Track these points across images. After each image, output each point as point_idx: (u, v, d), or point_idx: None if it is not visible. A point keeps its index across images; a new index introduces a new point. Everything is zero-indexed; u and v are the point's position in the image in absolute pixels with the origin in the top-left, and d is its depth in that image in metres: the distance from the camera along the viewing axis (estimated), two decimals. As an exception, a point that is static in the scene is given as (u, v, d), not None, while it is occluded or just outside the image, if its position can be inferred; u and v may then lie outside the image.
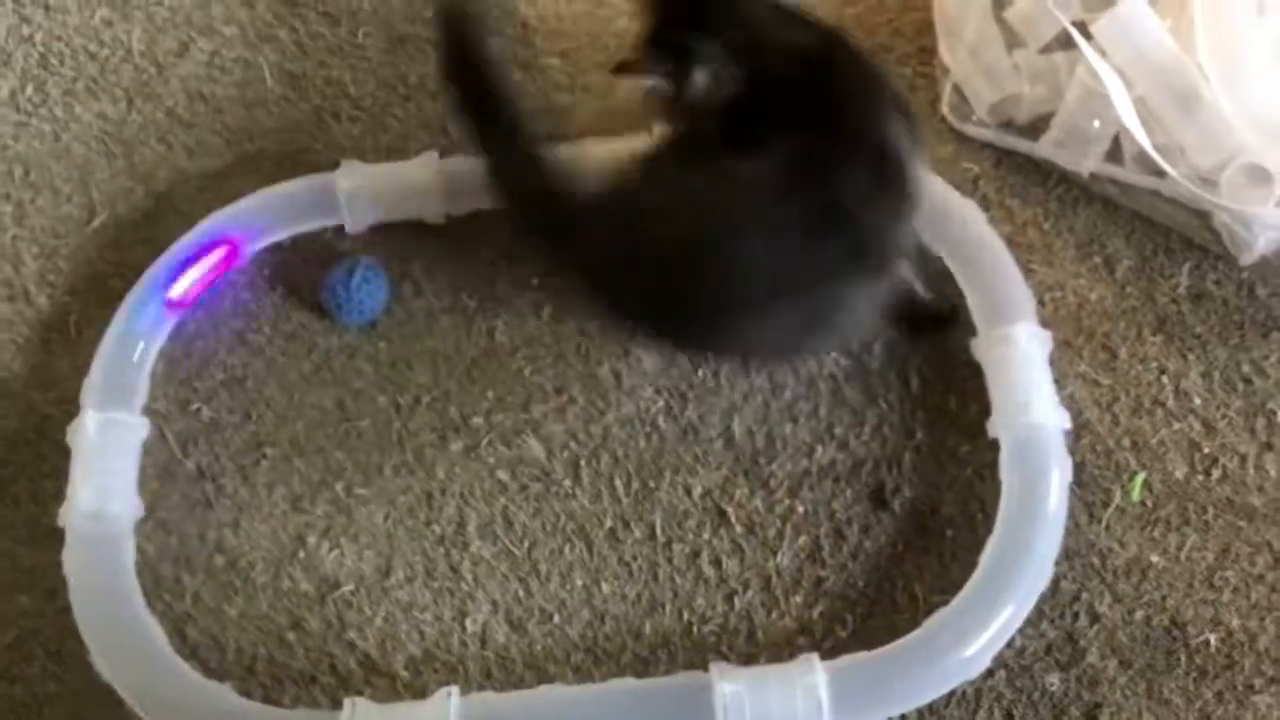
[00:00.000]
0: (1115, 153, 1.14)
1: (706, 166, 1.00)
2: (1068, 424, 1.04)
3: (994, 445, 1.06)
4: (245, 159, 1.22)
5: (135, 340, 1.12)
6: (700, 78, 1.00)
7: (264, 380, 1.13)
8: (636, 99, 1.07)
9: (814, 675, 0.96)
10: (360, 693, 1.01)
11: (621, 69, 1.04)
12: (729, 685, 0.96)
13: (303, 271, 1.17)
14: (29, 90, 1.27)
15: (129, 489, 1.08)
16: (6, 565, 1.08)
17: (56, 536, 1.07)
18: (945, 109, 1.19)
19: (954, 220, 1.12)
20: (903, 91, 1.07)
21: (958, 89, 1.19)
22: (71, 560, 1.04)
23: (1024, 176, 1.17)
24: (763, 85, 1.00)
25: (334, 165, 1.19)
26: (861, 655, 0.98)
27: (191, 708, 0.99)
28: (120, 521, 1.06)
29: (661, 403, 1.11)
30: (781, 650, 1.02)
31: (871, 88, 1.02)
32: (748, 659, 1.01)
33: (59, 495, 1.08)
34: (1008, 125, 1.18)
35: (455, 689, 0.98)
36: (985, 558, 1.00)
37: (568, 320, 1.14)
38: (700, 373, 1.12)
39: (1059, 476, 1.02)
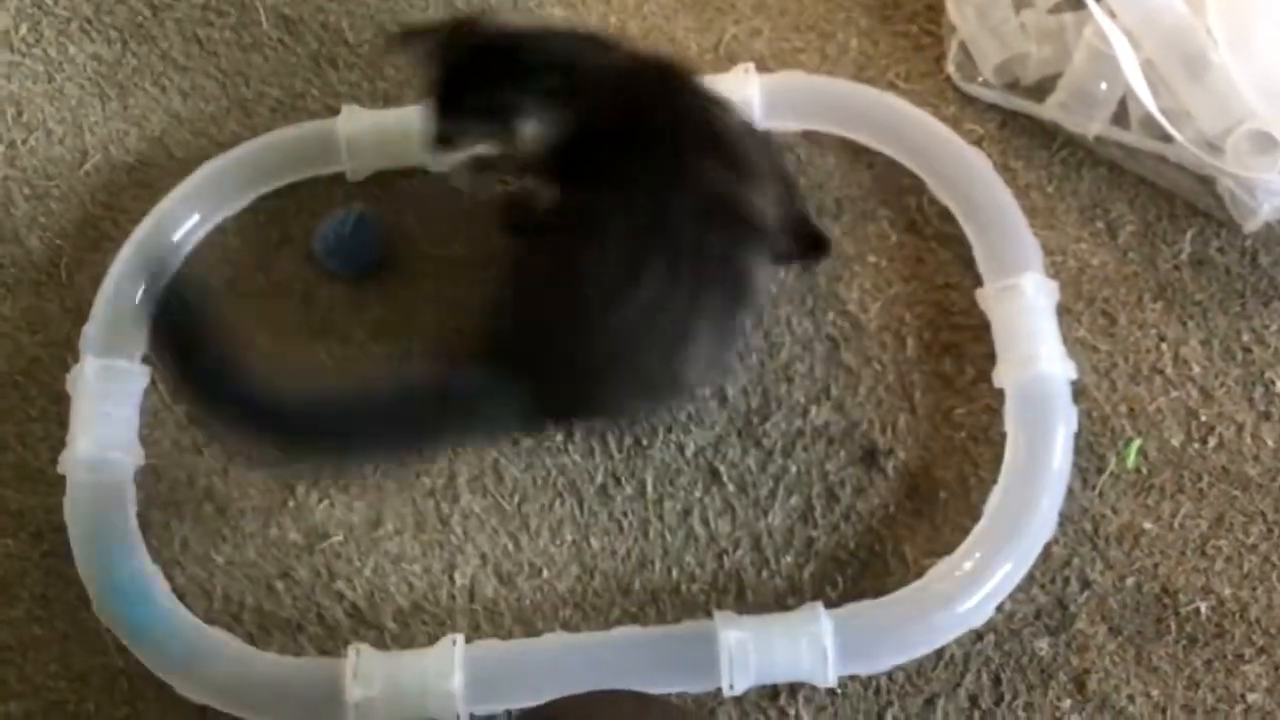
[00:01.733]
0: (1121, 116, 1.13)
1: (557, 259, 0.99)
2: (1074, 374, 1.04)
3: (990, 408, 1.06)
4: (240, 103, 1.20)
5: (135, 287, 1.10)
6: (529, 128, 0.99)
7: (255, 329, 1.12)
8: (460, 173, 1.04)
9: (819, 623, 0.97)
10: (347, 643, 1.00)
11: (441, 142, 1.01)
12: (734, 632, 0.96)
13: (296, 219, 1.15)
14: (23, 29, 1.25)
15: (130, 436, 1.07)
16: (-7, 508, 1.07)
17: (44, 480, 1.06)
18: (951, 68, 1.18)
19: (962, 170, 1.11)
20: (726, 104, 1.04)
21: (964, 48, 1.18)
22: (72, 508, 1.04)
23: (1028, 138, 1.16)
24: (591, 123, 0.99)
25: (331, 112, 1.18)
26: (865, 604, 0.99)
27: (195, 656, 0.99)
28: (120, 469, 1.06)
29: (656, 359, 1.10)
30: (771, 609, 1.01)
31: (689, 116, 1.01)
32: (735, 610, 1.01)
33: (48, 438, 1.08)
34: (1013, 86, 1.17)
35: (460, 637, 0.98)
36: (990, 506, 1.01)
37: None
38: (696, 330, 1.11)
39: (1065, 428, 1.02)
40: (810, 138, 1.16)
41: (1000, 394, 1.05)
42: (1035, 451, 1.01)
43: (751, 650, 0.96)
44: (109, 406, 1.07)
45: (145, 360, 1.10)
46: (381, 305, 1.12)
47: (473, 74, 1.00)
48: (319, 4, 1.24)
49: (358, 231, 1.11)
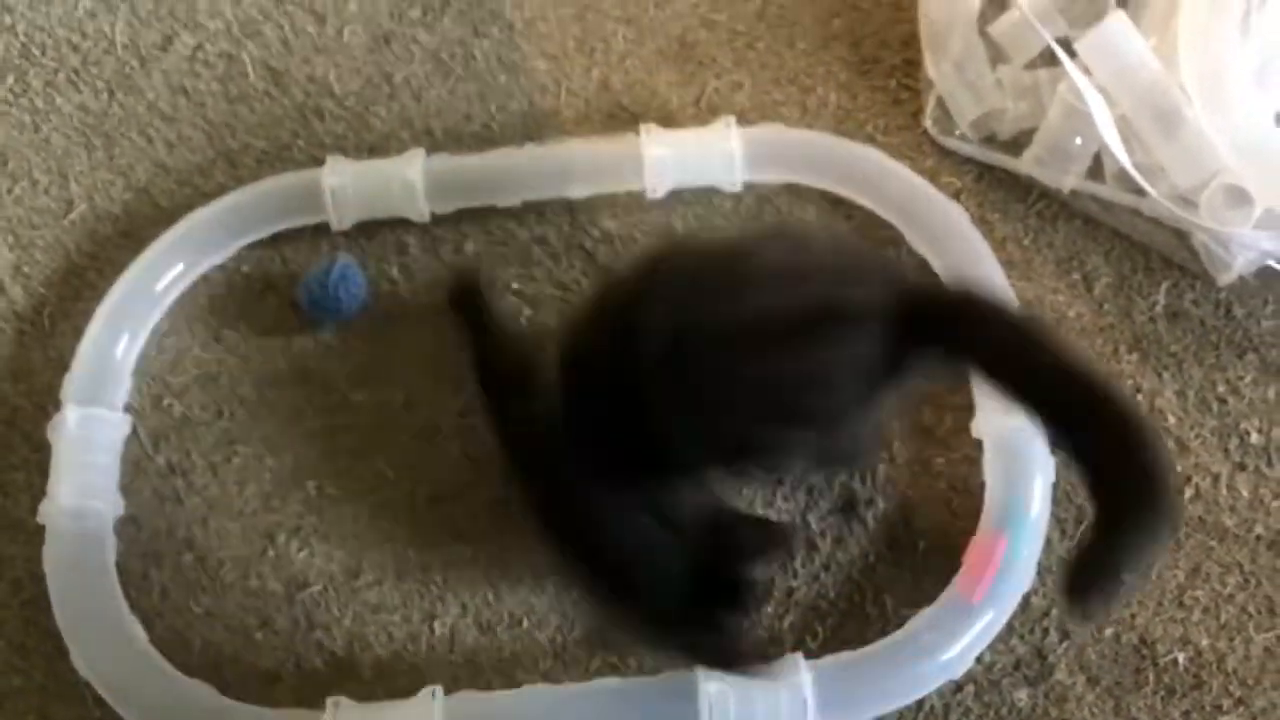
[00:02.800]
0: (1096, 170, 1.14)
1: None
2: None
3: (969, 459, 1.06)
4: (227, 154, 1.21)
5: (118, 336, 1.11)
6: None
7: (238, 378, 1.12)
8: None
9: (799, 674, 0.97)
10: (327, 693, 1.00)
11: None
12: (714, 684, 0.96)
13: (280, 270, 1.16)
14: (10, 80, 1.26)
15: (110, 486, 1.07)
16: (-28, 557, 1.07)
17: (24, 529, 1.06)
18: (928, 122, 1.19)
19: (940, 224, 1.12)
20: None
21: (941, 103, 1.19)
22: (51, 557, 1.03)
23: (1005, 192, 1.17)
24: None
25: (316, 163, 1.18)
26: (846, 655, 0.99)
27: (173, 707, 0.99)
28: (101, 519, 1.06)
29: (637, 409, 1.10)
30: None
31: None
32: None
33: (28, 487, 1.08)
34: (990, 140, 1.18)
35: (439, 688, 0.98)
36: (968, 558, 1.01)
37: (544, 323, 1.13)
38: (676, 380, 1.11)
39: (1043, 478, 1.02)
40: (790, 189, 1.17)
41: (979, 444, 1.06)
42: (1011, 503, 1.02)
43: (732, 702, 0.96)
44: (90, 455, 1.07)
45: (127, 409, 1.10)
46: (364, 354, 1.13)
47: None
48: (305, 56, 1.26)
49: (341, 281, 1.12)
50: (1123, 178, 1.11)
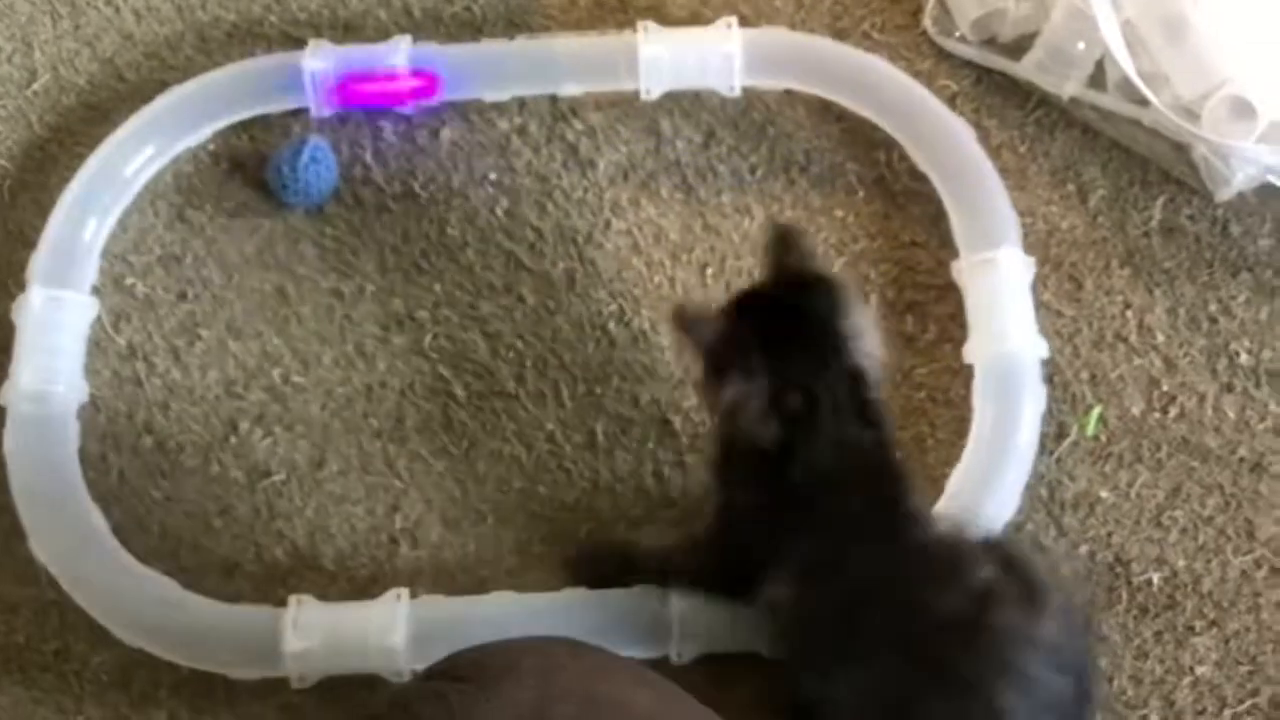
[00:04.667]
0: (1098, 78, 1.11)
1: None
2: (1045, 353, 1.03)
3: (951, 370, 1.05)
4: (196, 27, 1.17)
5: (86, 219, 1.08)
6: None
7: (203, 260, 1.09)
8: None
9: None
10: (286, 583, 0.98)
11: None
12: (685, 600, 0.94)
13: (249, 149, 1.12)
14: (-27, -57, 1.21)
15: (75, 370, 1.05)
16: (-73, 434, 1.04)
17: (-20, 408, 1.04)
18: (927, 22, 1.16)
19: (943, 138, 1.09)
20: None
21: (942, 2, 1.16)
22: (11, 441, 1.01)
23: (1003, 97, 1.14)
24: None
25: (288, 40, 1.15)
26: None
27: (131, 598, 0.97)
28: (64, 403, 1.03)
29: (614, 307, 1.08)
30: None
31: None
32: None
33: (-15, 363, 1.05)
34: (990, 42, 1.15)
35: (405, 591, 0.96)
36: (952, 484, 0.99)
37: (523, 218, 1.10)
38: (655, 279, 1.09)
39: (1033, 406, 1.01)
40: (785, 91, 1.13)
41: (962, 358, 1.03)
42: (1001, 430, 1.00)
43: (702, 618, 0.94)
44: (54, 339, 1.04)
45: (94, 291, 1.07)
46: (334, 240, 1.10)
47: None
48: (282, -71, 1.21)
49: (311, 164, 1.08)
50: (1125, 86, 1.08)
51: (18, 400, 1.01)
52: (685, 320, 0.91)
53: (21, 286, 1.05)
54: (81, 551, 0.98)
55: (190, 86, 1.11)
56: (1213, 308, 1.07)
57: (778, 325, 0.89)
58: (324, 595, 0.97)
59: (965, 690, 0.82)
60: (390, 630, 0.93)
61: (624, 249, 1.10)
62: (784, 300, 0.91)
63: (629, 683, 0.69)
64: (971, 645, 0.83)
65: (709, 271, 1.09)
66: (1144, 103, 1.07)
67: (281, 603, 0.96)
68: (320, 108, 1.11)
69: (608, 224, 1.10)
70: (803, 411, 0.87)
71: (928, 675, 0.83)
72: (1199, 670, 0.98)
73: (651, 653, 0.94)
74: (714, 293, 1.08)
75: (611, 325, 1.07)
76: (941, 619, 0.83)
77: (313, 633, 0.94)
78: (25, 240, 1.08)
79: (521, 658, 0.64)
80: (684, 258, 1.10)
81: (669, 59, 1.10)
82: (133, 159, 1.09)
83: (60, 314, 1.05)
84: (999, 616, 0.83)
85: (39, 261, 1.06)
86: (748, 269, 1.09)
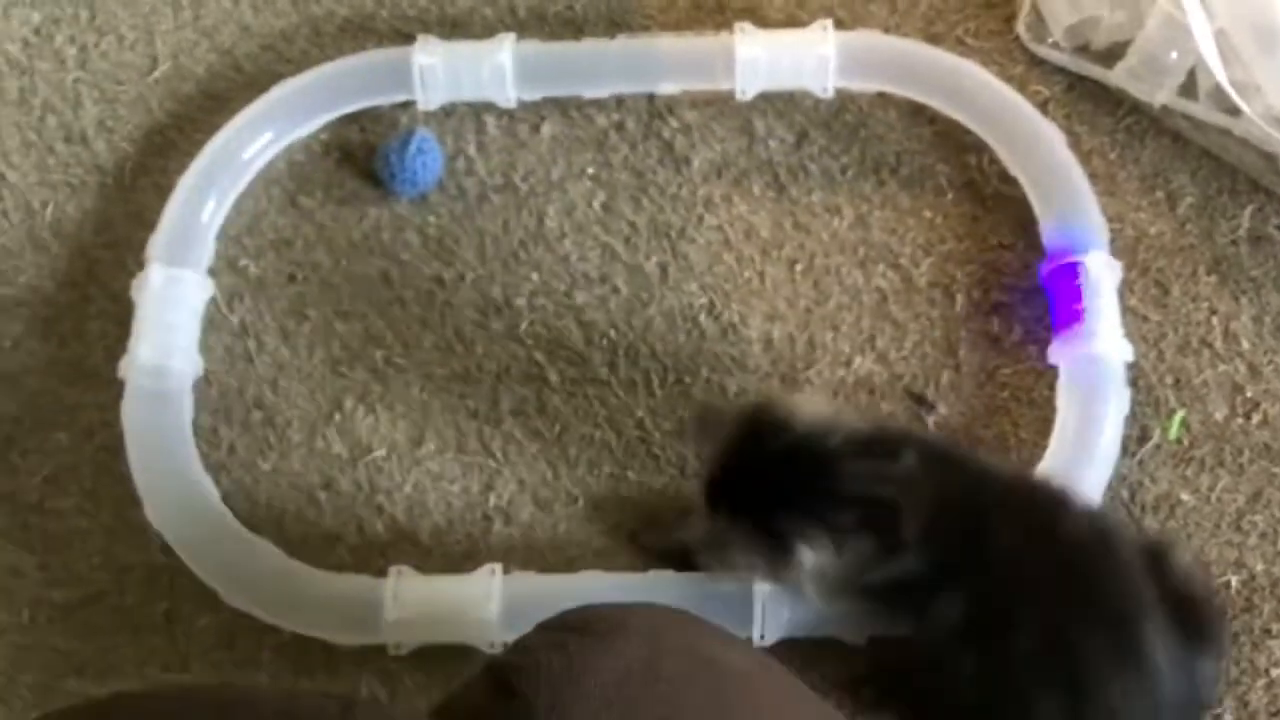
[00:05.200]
0: (1189, 87, 1.12)
1: None
2: (1130, 356, 1.04)
3: (1035, 370, 1.06)
4: (310, 21, 1.21)
5: (205, 200, 1.12)
6: (807, 556, 0.87)
7: (313, 244, 1.14)
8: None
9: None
10: (384, 556, 1.03)
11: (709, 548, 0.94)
12: (768, 585, 0.97)
13: (359, 139, 1.16)
14: (100, -65, 1.26)
15: (190, 346, 1.09)
16: (48, 402, 1.10)
17: (99, 378, 1.09)
18: (1021, 28, 1.17)
19: (1035, 143, 1.10)
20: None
21: (1035, 8, 1.17)
22: (130, 414, 1.05)
23: (1094, 104, 1.15)
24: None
25: (398, 34, 1.18)
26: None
27: (239, 563, 1.01)
28: (180, 378, 1.07)
29: (705, 300, 1.11)
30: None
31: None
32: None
33: (104, 337, 1.10)
34: (1083, 49, 1.16)
35: (499, 566, 1.00)
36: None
37: (618, 212, 1.13)
38: (746, 274, 1.11)
39: (1116, 409, 1.02)
40: (877, 93, 1.15)
41: (1046, 360, 1.05)
42: (1084, 433, 1.02)
43: (786, 603, 0.97)
44: (172, 315, 1.08)
45: (210, 272, 1.12)
46: (437, 228, 1.14)
47: (754, 485, 0.89)
48: (393, -73, 1.25)
49: (419, 154, 1.12)
50: (1216, 95, 1.09)
51: (136, 374, 1.06)
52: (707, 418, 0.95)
53: (141, 265, 1.10)
54: (193, 518, 1.03)
55: (304, 78, 1.15)
56: (1299, 316, 1.08)
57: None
58: (420, 569, 1.01)
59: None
60: (485, 603, 0.97)
61: (715, 244, 1.12)
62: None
63: (727, 645, 0.72)
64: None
65: (798, 268, 1.11)
66: (1235, 112, 1.08)
67: (381, 573, 1.00)
68: (427, 101, 1.15)
69: (700, 219, 1.13)
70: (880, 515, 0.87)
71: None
72: (1274, 673, 0.99)
73: (736, 633, 0.97)
74: (802, 289, 1.11)
75: (702, 317, 1.10)
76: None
77: (411, 603, 0.98)
78: (144, 221, 1.12)
79: (629, 617, 0.67)
80: (774, 254, 1.12)
81: (765, 60, 1.13)
82: (249, 145, 1.13)
83: (178, 292, 1.09)
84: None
85: (158, 241, 1.10)
86: (835, 267, 1.11)
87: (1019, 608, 0.87)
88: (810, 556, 0.86)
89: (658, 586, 0.99)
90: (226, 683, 0.98)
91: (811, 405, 0.91)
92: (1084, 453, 1.01)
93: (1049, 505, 0.92)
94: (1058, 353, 1.05)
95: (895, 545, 0.86)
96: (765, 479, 0.89)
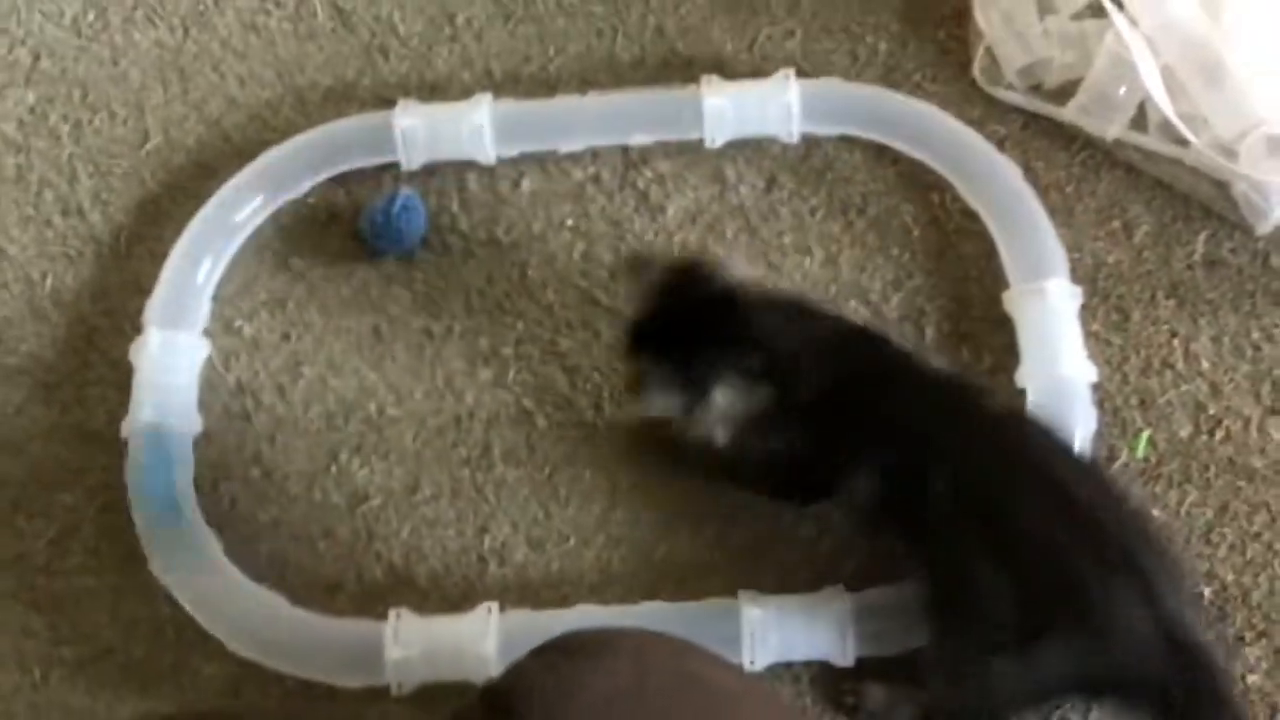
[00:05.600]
0: (1140, 120, 1.17)
1: None
2: (1094, 377, 1.08)
3: (1006, 398, 1.10)
4: (295, 91, 1.26)
5: (199, 263, 1.16)
6: (719, 397, 0.95)
7: (304, 304, 1.17)
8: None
9: (840, 605, 1.01)
10: (384, 601, 1.05)
11: (631, 388, 1.02)
12: (757, 611, 1.01)
13: (345, 201, 1.20)
14: (90, 16, 1.31)
15: (189, 405, 1.12)
16: (51, 465, 1.13)
17: (100, 440, 1.12)
18: (976, 71, 1.22)
19: (993, 178, 1.15)
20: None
21: (989, 52, 1.21)
22: (133, 471, 1.09)
23: (1049, 140, 1.20)
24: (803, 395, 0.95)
25: (380, 101, 1.23)
26: (886, 588, 1.02)
27: (244, 613, 1.04)
28: (179, 436, 1.10)
29: (685, 342, 1.14)
30: (790, 582, 1.05)
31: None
32: (757, 588, 1.04)
33: (104, 401, 1.14)
34: (1036, 89, 1.21)
35: (495, 604, 1.03)
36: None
37: (598, 260, 1.18)
38: (724, 315, 1.15)
39: (1084, 428, 1.06)
40: (841, 137, 1.20)
41: (1019, 389, 1.09)
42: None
43: (773, 629, 1.01)
44: (170, 376, 1.12)
45: (205, 333, 1.15)
46: (423, 284, 1.17)
47: (674, 329, 0.97)
48: (371, -2, 1.30)
49: (402, 213, 1.16)
50: (1165, 127, 1.14)
51: (138, 433, 1.09)
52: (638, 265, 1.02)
53: (138, 329, 1.14)
54: (198, 571, 1.06)
55: (291, 144, 1.20)
56: (1255, 335, 1.12)
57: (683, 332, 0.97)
58: (419, 611, 1.04)
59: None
60: (483, 639, 1.00)
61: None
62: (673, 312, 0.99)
63: (713, 664, 0.75)
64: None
65: (773, 308, 1.15)
66: (1184, 143, 1.13)
67: (381, 617, 1.03)
68: (410, 162, 1.19)
69: (677, 265, 1.17)
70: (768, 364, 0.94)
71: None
72: (1250, 679, 1.02)
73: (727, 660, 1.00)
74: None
75: (683, 359, 1.14)
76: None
77: (412, 642, 1.01)
78: (140, 288, 1.16)
79: (617, 639, 0.70)
80: (750, 296, 1.16)
81: (731, 109, 1.18)
82: (240, 210, 1.17)
83: (175, 353, 1.13)
84: None
85: (155, 305, 1.14)
86: (810, 305, 1.15)
87: (934, 475, 0.92)
88: (720, 397, 0.94)
89: (648, 616, 1.02)
90: (242, 702, 1.00)
91: (739, 267, 1.00)
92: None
93: (967, 391, 0.99)
94: (1025, 375, 1.09)
95: (794, 402, 0.93)
96: (686, 323, 0.96)
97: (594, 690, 0.64)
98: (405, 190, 1.18)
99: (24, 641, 1.08)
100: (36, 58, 1.29)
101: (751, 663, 1.00)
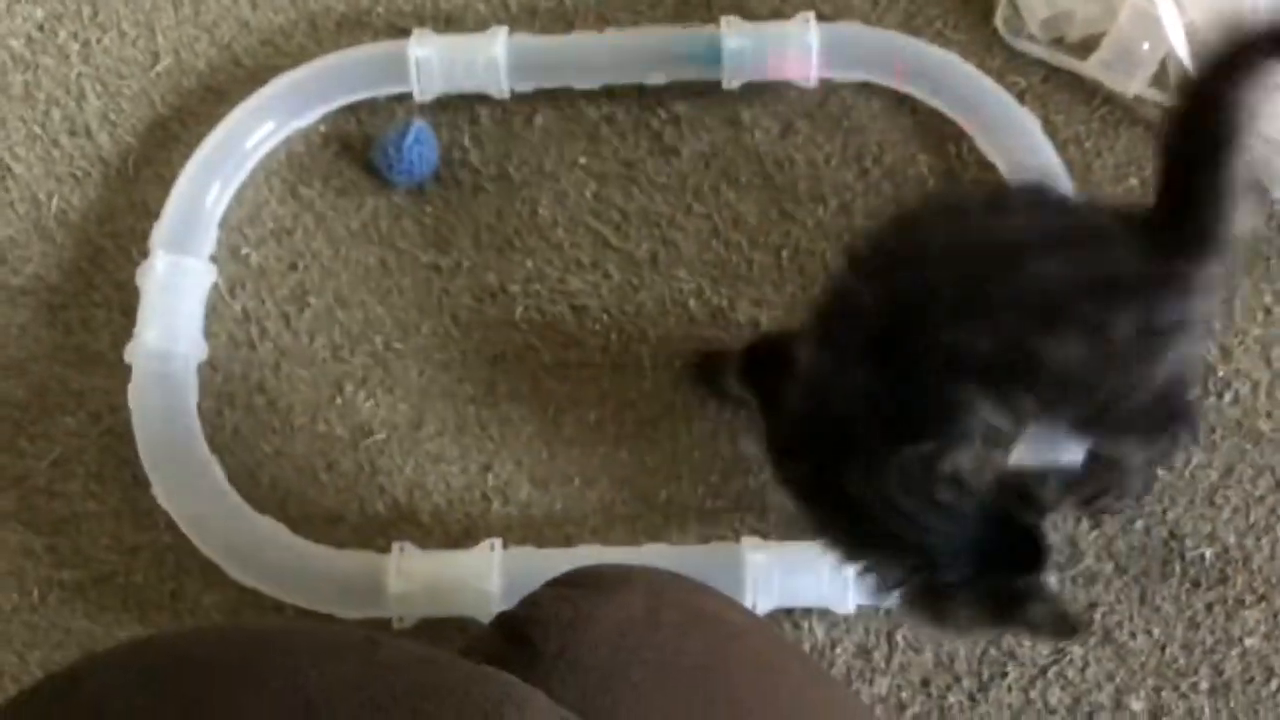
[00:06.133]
0: (1162, 77, 1.16)
1: None
2: None
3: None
4: (307, 16, 1.24)
5: (208, 188, 1.14)
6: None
7: (312, 233, 1.17)
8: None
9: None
10: (386, 535, 1.06)
11: None
12: (759, 556, 1.01)
13: (356, 131, 1.19)
14: (100, -67, 1.29)
15: (195, 331, 1.12)
16: (55, 387, 1.12)
17: (104, 363, 1.12)
18: (998, 22, 1.20)
19: (1013, 132, 1.14)
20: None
21: (1012, 2, 1.20)
22: (137, 397, 1.08)
23: (1069, 94, 1.19)
24: None
25: (394, 29, 1.21)
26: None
27: (246, 540, 1.04)
28: (185, 362, 1.10)
29: (694, 285, 1.14)
30: (791, 530, 1.05)
31: None
32: (759, 535, 1.05)
33: (109, 324, 1.13)
34: (1058, 42, 1.19)
35: (499, 541, 1.03)
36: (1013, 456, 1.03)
37: (610, 200, 1.17)
38: (733, 260, 1.14)
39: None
40: (861, 84, 1.19)
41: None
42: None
43: (776, 574, 1.01)
44: (177, 301, 1.11)
45: (212, 259, 1.14)
46: (433, 217, 1.17)
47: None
48: (387, -75, 1.28)
49: (415, 145, 1.15)
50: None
51: (144, 358, 1.09)
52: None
53: (145, 253, 1.13)
54: (201, 498, 1.05)
55: (303, 71, 1.18)
56: (1267, 299, 1.12)
57: None
58: (421, 547, 1.05)
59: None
60: (486, 575, 1.01)
61: (704, 232, 1.16)
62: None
63: (724, 603, 0.76)
64: None
65: (784, 255, 1.15)
66: (1206, 101, 1.12)
67: (383, 551, 1.03)
68: (423, 93, 1.18)
69: (689, 208, 1.16)
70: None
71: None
72: (1248, 642, 1.03)
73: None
74: (788, 274, 1.14)
75: (691, 302, 1.13)
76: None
77: (414, 577, 1.01)
78: (148, 211, 1.16)
79: (631, 574, 0.71)
80: (761, 241, 1.15)
81: (750, 50, 1.16)
82: (250, 136, 1.16)
83: (182, 278, 1.12)
84: None
85: (162, 229, 1.13)
86: (820, 253, 1.14)
87: None
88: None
89: (652, 558, 1.03)
90: (261, 621, 1.01)
91: None
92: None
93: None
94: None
95: None
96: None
97: (607, 621, 0.65)
98: (418, 122, 1.16)
99: (23, 562, 1.08)
100: (45, -27, 1.27)
101: (753, 607, 1.00)
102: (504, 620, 0.68)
